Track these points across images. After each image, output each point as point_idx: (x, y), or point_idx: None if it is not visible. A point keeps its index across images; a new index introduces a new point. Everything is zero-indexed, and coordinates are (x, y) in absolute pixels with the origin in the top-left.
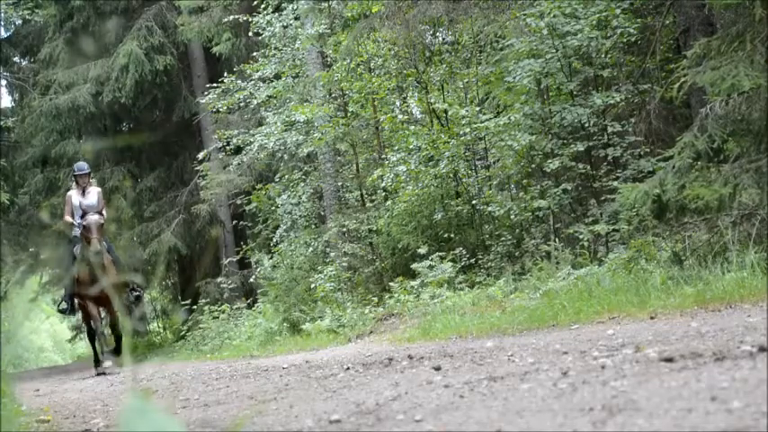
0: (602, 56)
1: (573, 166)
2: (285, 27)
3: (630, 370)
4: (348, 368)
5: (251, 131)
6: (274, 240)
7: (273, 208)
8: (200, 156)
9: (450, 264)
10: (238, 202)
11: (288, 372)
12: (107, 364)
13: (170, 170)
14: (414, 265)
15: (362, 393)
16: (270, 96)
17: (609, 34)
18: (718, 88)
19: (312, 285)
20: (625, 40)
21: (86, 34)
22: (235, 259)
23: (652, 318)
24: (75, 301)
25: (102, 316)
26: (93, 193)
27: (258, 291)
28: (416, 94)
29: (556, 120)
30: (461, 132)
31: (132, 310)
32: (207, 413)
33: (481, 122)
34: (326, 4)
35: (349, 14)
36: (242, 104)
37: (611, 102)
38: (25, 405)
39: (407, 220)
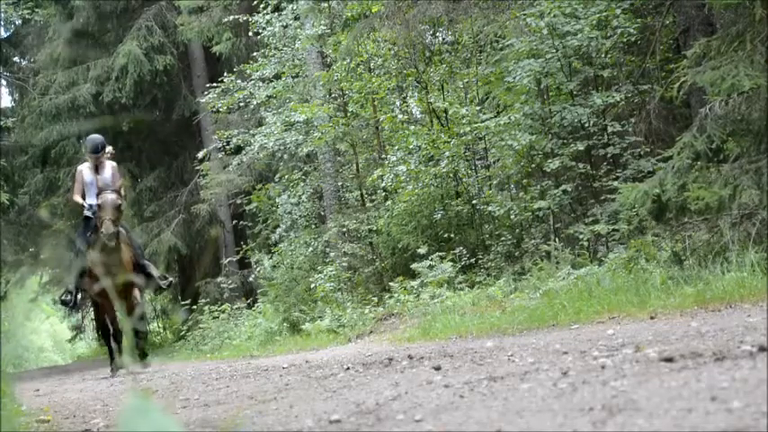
0: (602, 56)
1: (573, 166)
2: (285, 27)
3: (630, 370)
4: (348, 368)
5: (251, 131)
6: (274, 240)
7: (273, 208)
8: (200, 155)
9: (450, 264)
10: (238, 201)
11: (288, 372)
12: (124, 362)
13: (170, 170)
14: (414, 265)
15: (362, 393)
16: (270, 96)
17: (609, 34)
18: (717, 88)
19: (312, 285)
20: (625, 40)
21: (86, 34)
22: (235, 259)
23: (652, 318)
24: (81, 293)
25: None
26: (109, 169)
27: (258, 291)
28: (416, 93)
29: (556, 120)
30: (461, 132)
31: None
32: (207, 413)
33: (481, 122)
34: (326, 4)
35: (349, 14)
36: (242, 104)
37: (611, 102)
38: (25, 405)
39: (407, 219)
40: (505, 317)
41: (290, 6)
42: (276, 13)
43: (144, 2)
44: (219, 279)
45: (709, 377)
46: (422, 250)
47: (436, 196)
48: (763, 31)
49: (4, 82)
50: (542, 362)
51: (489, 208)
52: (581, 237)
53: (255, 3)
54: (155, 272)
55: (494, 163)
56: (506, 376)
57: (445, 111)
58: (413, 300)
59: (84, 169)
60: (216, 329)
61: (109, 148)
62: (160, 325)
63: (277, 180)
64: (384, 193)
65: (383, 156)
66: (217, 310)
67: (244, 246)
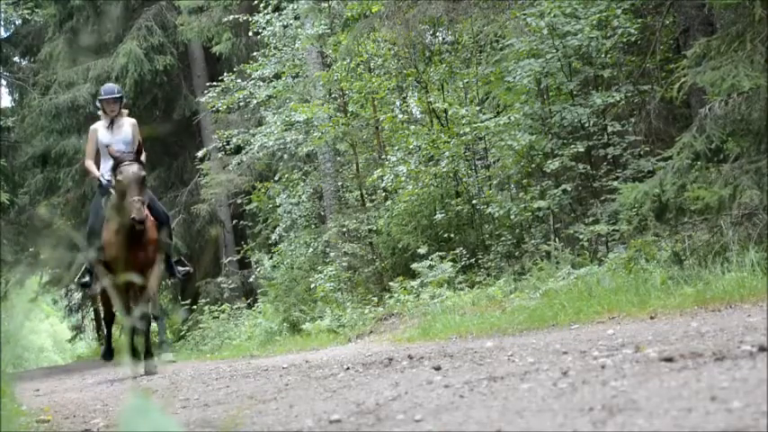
0: (602, 56)
1: (573, 166)
2: (285, 27)
3: (630, 370)
4: (348, 368)
5: (251, 131)
6: (274, 240)
7: (273, 208)
8: (200, 154)
9: (451, 264)
10: (238, 201)
11: (288, 372)
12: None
13: (170, 170)
14: (414, 265)
15: (362, 393)
16: (270, 96)
17: (609, 34)
18: (718, 88)
19: (312, 285)
20: (625, 40)
21: (86, 34)
22: (235, 259)
23: (652, 318)
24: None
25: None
26: (127, 127)
27: (258, 291)
28: (416, 93)
29: (556, 120)
30: (461, 132)
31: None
32: (207, 413)
33: (481, 122)
34: (326, 4)
35: (349, 14)
36: (242, 104)
37: (611, 102)
38: (25, 405)
39: (407, 219)
40: (505, 317)
41: (291, 6)
42: (276, 13)
43: (144, 2)
44: (219, 279)
45: (709, 377)
46: (422, 250)
47: (436, 196)
48: (763, 31)
49: (4, 82)
50: (542, 362)
51: (489, 209)
52: (581, 237)
53: (255, 3)
54: (173, 256)
55: (494, 163)
56: (506, 376)
57: (445, 111)
58: (413, 300)
59: (99, 128)
60: (216, 329)
61: (125, 112)
62: None
63: (277, 180)
64: (384, 193)
65: (383, 156)
66: (217, 310)
67: (244, 246)
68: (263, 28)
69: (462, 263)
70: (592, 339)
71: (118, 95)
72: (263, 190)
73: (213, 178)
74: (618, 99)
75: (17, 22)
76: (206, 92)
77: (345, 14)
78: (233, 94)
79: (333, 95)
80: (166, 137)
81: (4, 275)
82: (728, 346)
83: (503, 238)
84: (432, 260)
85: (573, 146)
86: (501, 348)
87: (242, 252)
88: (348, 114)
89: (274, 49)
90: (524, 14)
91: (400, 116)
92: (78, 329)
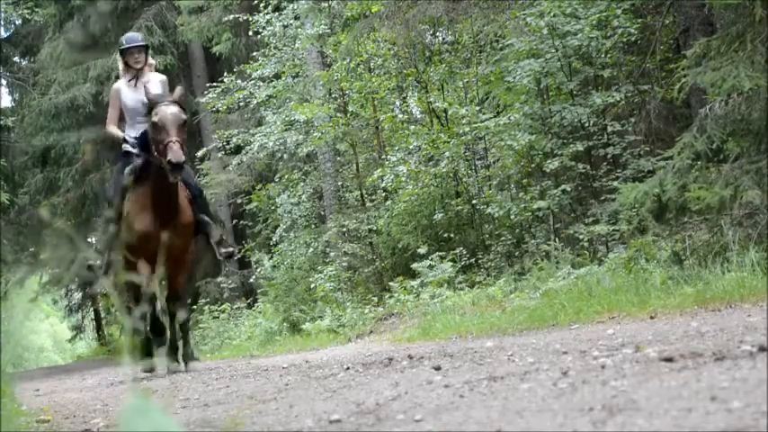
0: (602, 56)
1: (573, 166)
2: (285, 27)
3: (630, 370)
4: (348, 368)
5: (251, 131)
6: (274, 240)
7: (273, 208)
8: (200, 154)
9: (450, 264)
10: (238, 201)
11: (288, 371)
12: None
13: None
14: (414, 265)
15: (362, 393)
16: (270, 96)
17: (609, 34)
18: (718, 88)
19: (312, 285)
20: (625, 40)
21: (86, 34)
22: (235, 259)
23: (652, 318)
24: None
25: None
26: (157, 84)
27: (258, 291)
28: (416, 93)
29: (556, 119)
30: (461, 132)
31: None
32: (207, 413)
33: (481, 122)
34: (326, 4)
35: (349, 14)
36: (242, 104)
37: (611, 101)
38: (25, 405)
39: (407, 219)
40: (505, 317)
41: (291, 6)
42: (276, 13)
43: (144, 2)
44: (219, 279)
45: (710, 377)
46: (422, 250)
47: (436, 196)
48: (763, 31)
49: (4, 82)
50: (542, 362)
51: (489, 209)
52: (581, 237)
53: (255, 2)
54: (214, 235)
55: (494, 163)
56: (506, 376)
57: (445, 111)
58: (413, 300)
59: (123, 87)
60: (216, 329)
61: (152, 61)
62: None
63: (277, 180)
64: (384, 193)
65: (383, 156)
66: (217, 310)
67: (244, 245)
68: (263, 28)
69: (462, 263)
70: (592, 339)
71: (142, 44)
72: (263, 191)
73: (213, 178)
74: (618, 99)
75: (17, 22)
76: (206, 92)
77: (345, 14)
78: (233, 94)
79: (333, 95)
80: None
81: (4, 275)
82: (728, 346)
83: (503, 238)
84: (432, 260)
85: (573, 146)
86: (501, 348)
87: (242, 252)
88: (348, 114)
89: (274, 49)
90: (524, 14)
91: (400, 116)
92: (78, 329)
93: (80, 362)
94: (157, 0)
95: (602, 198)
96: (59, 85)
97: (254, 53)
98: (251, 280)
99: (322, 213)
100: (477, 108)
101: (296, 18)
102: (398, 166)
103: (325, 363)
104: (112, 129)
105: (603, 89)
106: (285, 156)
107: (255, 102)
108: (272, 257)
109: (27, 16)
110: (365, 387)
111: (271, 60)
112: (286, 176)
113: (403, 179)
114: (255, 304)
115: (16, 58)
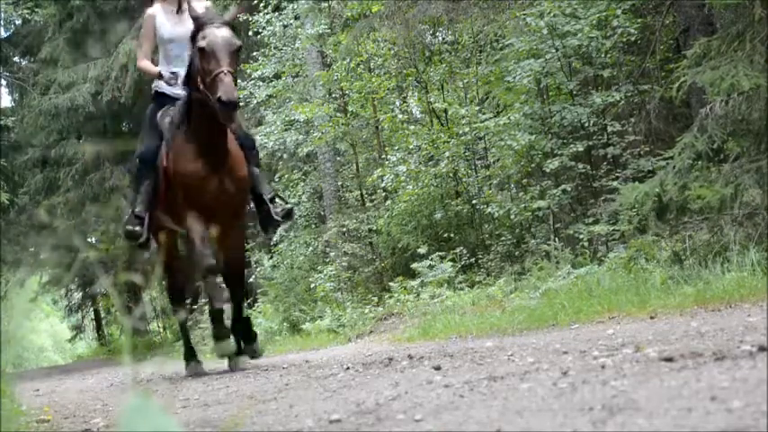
0: (602, 56)
1: (573, 166)
2: (285, 27)
3: (630, 370)
4: (348, 368)
5: (251, 131)
6: (274, 240)
7: None
8: None
9: (450, 263)
10: None
11: (288, 371)
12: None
13: None
14: (414, 265)
15: (362, 393)
16: (269, 96)
17: (609, 34)
18: (717, 88)
19: (312, 285)
20: (625, 40)
21: (86, 34)
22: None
23: (652, 317)
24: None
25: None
26: (199, 5)
27: (258, 290)
28: (416, 93)
29: (556, 119)
30: (461, 132)
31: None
32: (207, 413)
33: (481, 122)
34: (326, 4)
35: (349, 14)
36: (242, 104)
37: (611, 101)
38: (25, 405)
39: (407, 219)
40: (505, 317)
41: (291, 6)
42: (276, 13)
43: (144, 2)
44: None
45: (710, 377)
46: (422, 250)
47: (436, 196)
48: (762, 31)
49: (4, 82)
50: (542, 362)
51: (489, 209)
52: (581, 237)
53: (255, 2)
54: (267, 190)
55: (493, 163)
56: (506, 376)
57: (445, 111)
58: (413, 300)
59: (158, 13)
60: None
61: None
62: (160, 325)
63: (277, 180)
64: (384, 193)
65: (383, 156)
66: None
67: (244, 245)
68: (263, 28)
69: (462, 263)
70: (592, 339)
71: None
72: None
73: None
74: (618, 99)
75: (17, 22)
76: None
77: (345, 14)
78: None
79: (333, 95)
80: None
81: (4, 275)
82: (728, 346)
83: (503, 238)
84: (432, 260)
85: (573, 146)
86: (501, 348)
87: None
88: (348, 114)
89: (274, 48)
90: (524, 14)
91: (400, 116)
92: (78, 329)
93: (80, 362)
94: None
95: (603, 198)
96: (59, 85)
97: (255, 53)
98: (251, 280)
99: (322, 213)
100: (477, 108)
101: (296, 18)
102: (398, 166)
103: (325, 363)
104: (145, 63)
105: (603, 89)
106: (285, 155)
107: (255, 101)
108: (272, 257)
109: (27, 16)
110: (365, 387)
111: (271, 60)
112: (286, 176)
113: (403, 179)
114: (255, 304)
115: (16, 58)
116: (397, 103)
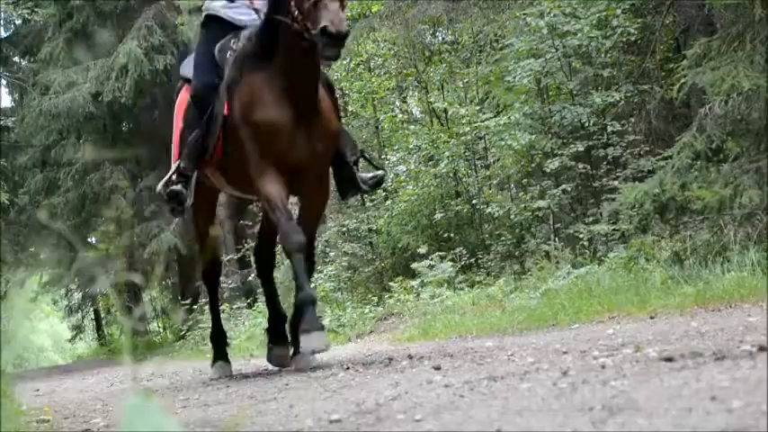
0: (602, 55)
1: (573, 166)
2: None
3: (630, 370)
4: (348, 368)
5: None
6: None
7: None
8: None
9: (450, 263)
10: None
11: (288, 371)
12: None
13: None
14: (414, 265)
15: (362, 393)
16: None
17: (609, 34)
18: (717, 88)
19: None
20: (625, 40)
21: (86, 34)
22: (235, 258)
23: (652, 317)
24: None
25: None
26: None
27: (258, 290)
28: (416, 93)
29: (556, 119)
30: (461, 132)
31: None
32: (207, 413)
33: (481, 122)
34: None
35: (349, 14)
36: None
37: (611, 101)
38: (25, 405)
39: (407, 219)
40: (505, 317)
41: None
42: None
43: (144, 2)
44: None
45: (709, 377)
46: (422, 250)
47: (436, 196)
48: (762, 31)
49: (4, 82)
50: (542, 361)
51: (489, 209)
52: (581, 237)
53: None
54: (349, 151)
55: (494, 163)
56: (506, 376)
57: (445, 110)
58: (413, 299)
59: None
60: None
61: None
62: (160, 325)
63: None
64: (384, 193)
65: (383, 156)
66: None
67: (244, 245)
68: None
69: (462, 263)
70: (592, 339)
71: None
72: None
73: None
74: (618, 99)
75: (17, 22)
76: None
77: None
78: None
79: None
80: (167, 137)
81: (4, 275)
82: (728, 346)
83: (503, 238)
84: (432, 260)
85: (573, 145)
86: (501, 348)
87: (242, 251)
88: (348, 114)
89: None
90: (524, 14)
91: (400, 116)
92: (78, 329)
93: (80, 362)
94: (157, 0)
95: (603, 198)
96: (59, 85)
97: None
98: (251, 279)
99: None
100: (477, 108)
101: None
102: (398, 165)
103: (325, 363)
104: None
105: (603, 89)
106: None
107: None
108: None
109: (27, 16)
110: (365, 387)
111: None
112: None
113: (403, 179)
114: (255, 304)
115: (16, 58)
116: (397, 103)
